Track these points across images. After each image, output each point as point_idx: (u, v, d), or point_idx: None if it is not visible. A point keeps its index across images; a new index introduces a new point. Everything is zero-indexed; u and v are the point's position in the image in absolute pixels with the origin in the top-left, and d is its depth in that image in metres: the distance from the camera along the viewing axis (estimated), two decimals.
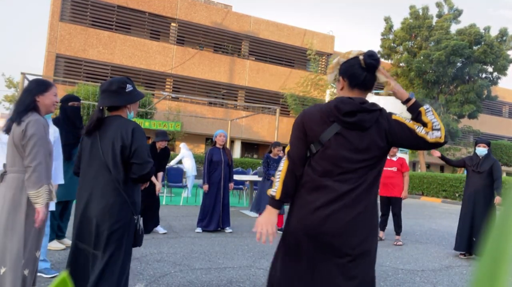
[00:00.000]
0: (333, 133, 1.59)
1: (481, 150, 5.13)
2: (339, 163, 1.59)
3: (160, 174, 5.59)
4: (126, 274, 2.13)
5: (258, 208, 6.22)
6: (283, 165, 1.70)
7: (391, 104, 22.52)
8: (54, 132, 3.47)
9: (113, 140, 2.13)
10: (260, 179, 7.93)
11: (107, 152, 2.12)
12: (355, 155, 1.59)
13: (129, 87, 2.27)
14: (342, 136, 1.59)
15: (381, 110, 1.65)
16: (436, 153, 5.28)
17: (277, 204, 1.69)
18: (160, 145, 5.58)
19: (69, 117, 4.16)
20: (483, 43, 21.59)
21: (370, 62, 1.61)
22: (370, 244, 1.61)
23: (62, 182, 3.67)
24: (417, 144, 1.63)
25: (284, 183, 1.67)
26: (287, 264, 1.65)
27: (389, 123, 1.63)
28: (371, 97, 22.89)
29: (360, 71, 1.63)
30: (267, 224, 1.68)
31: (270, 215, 1.70)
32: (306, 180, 1.65)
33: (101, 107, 2.23)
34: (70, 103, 4.20)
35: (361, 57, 1.63)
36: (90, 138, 2.22)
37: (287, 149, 1.73)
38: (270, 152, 6.47)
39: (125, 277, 2.11)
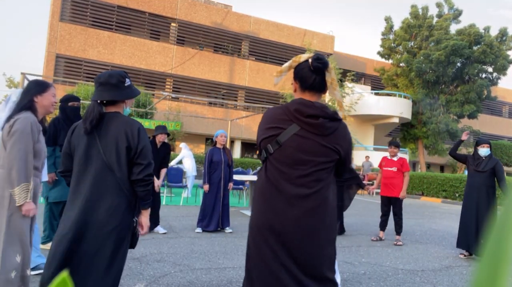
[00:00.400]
0: (291, 133, 1.62)
1: (485, 151, 5.10)
2: (295, 164, 1.61)
3: (163, 171, 5.60)
4: (120, 275, 2.11)
5: None
6: None
7: (391, 104, 22.58)
8: None
9: (116, 139, 2.04)
10: None
11: (110, 152, 2.04)
12: (312, 157, 1.62)
13: (127, 82, 2.19)
14: (300, 137, 1.62)
15: (342, 122, 1.70)
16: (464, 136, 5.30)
17: None
18: (160, 138, 5.55)
19: (69, 117, 4.17)
20: (482, 43, 21.58)
21: (316, 65, 1.65)
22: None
23: (45, 179, 3.78)
24: (340, 175, 1.79)
25: None
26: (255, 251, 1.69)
27: (345, 142, 1.69)
28: (371, 98, 22.89)
29: (310, 74, 1.67)
30: None
31: None
32: (260, 182, 1.70)
33: (98, 102, 2.10)
34: (70, 103, 4.20)
35: (310, 60, 1.68)
36: (86, 136, 2.08)
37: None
38: None
39: (119, 278, 2.09)
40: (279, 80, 1.83)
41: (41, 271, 3.31)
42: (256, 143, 1.85)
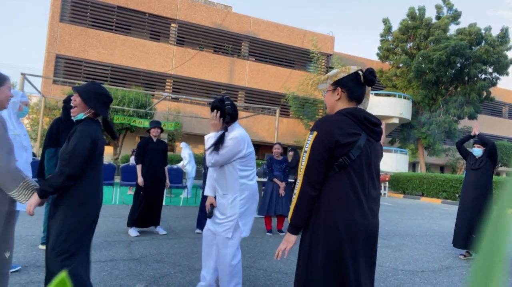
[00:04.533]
0: (365, 139, 1.71)
1: (476, 150, 5.15)
2: (371, 169, 1.74)
3: (166, 169, 5.69)
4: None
5: (263, 210, 6.14)
6: (297, 188, 1.70)
7: (390, 104, 22.62)
8: (14, 129, 3.34)
9: None
10: (260, 179, 7.93)
11: None
12: (378, 161, 1.80)
13: None
14: (371, 143, 1.75)
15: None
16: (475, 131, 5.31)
17: (292, 229, 1.73)
18: (153, 132, 5.56)
19: (71, 118, 4.17)
20: (484, 42, 21.56)
21: (371, 79, 1.77)
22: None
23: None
24: None
25: (297, 207, 1.68)
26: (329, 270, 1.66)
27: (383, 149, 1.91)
28: (371, 98, 22.86)
29: (359, 86, 1.79)
30: (285, 244, 1.78)
31: (288, 241, 1.77)
32: (342, 189, 1.68)
33: None
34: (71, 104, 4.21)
35: (360, 72, 1.79)
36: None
37: (303, 170, 1.69)
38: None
39: None
40: (324, 87, 1.88)
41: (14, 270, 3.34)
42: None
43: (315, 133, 1.69)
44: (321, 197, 1.68)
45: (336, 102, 1.82)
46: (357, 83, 1.78)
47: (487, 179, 5.06)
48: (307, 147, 1.69)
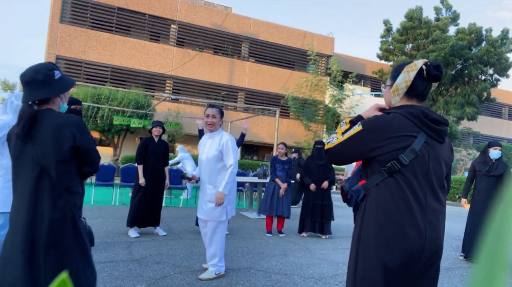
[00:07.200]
0: (421, 143, 1.48)
1: (497, 153, 4.96)
2: (431, 175, 1.49)
3: (166, 169, 5.69)
4: None
5: (264, 210, 6.14)
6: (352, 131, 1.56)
7: None
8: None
9: (54, 140, 1.85)
10: (260, 180, 7.92)
11: (46, 154, 1.85)
12: (442, 167, 1.53)
13: (57, 74, 1.96)
14: (430, 146, 1.50)
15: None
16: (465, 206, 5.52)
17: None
18: (155, 131, 5.58)
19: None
20: (485, 43, 21.55)
21: (436, 73, 1.54)
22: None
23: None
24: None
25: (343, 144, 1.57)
26: None
27: (453, 152, 1.64)
28: (371, 99, 22.89)
29: (421, 82, 1.56)
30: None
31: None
32: (389, 198, 1.47)
33: (29, 102, 1.87)
34: (73, 107, 4.20)
35: (424, 67, 1.55)
36: (20, 142, 1.87)
37: (334, 144, 1.58)
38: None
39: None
40: (398, 99, 1.62)
41: None
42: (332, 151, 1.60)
43: (360, 127, 1.53)
44: (367, 205, 1.52)
45: (394, 102, 1.61)
46: (419, 79, 1.54)
47: (500, 185, 4.87)
48: (346, 134, 1.55)
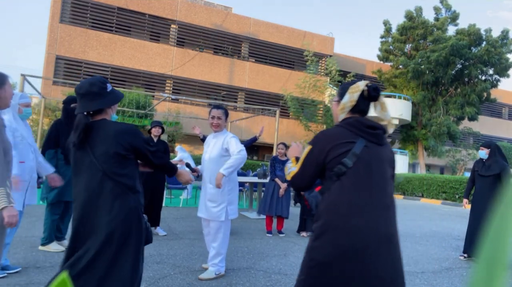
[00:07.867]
0: (361, 147, 1.70)
1: (482, 153, 5.14)
2: (374, 175, 1.68)
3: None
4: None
5: (264, 210, 6.14)
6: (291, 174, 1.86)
7: (390, 105, 22.55)
8: (15, 131, 3.29)
9: (112, 147, 2.02)
10: (260, 180, 7.92)
11: (107, 160, 2.03)
12: (383, 166, 1.73)
13: (109, 87, 2.14)
14: (370, 148, 1.72)
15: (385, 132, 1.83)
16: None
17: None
18: (154, 131, 5.57)
19: (71, 119, 4.16)
20: (485, 43, 21.53)
21: (374, 95, 1.81)
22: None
23: (51, 171, 3.57)
24: None
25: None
26: None
27: (394, 155, 1.86)
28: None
29: (363, 101, 1.83)
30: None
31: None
32: (339, 199, 1.64)
33: (85, 113, 2.06)
34: (72, 105, 4.19)
35: (365, 88, 1.81)
36: (78, 151, 2.06)
37: (295, 172, 1.82)
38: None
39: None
40: (343, 116, 1.86)
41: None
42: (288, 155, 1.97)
43: (309, 147, 1.78)
44: (322, 206, 1.69)
45: (340, 116, 1.88)
46: (361, 98, 1.82)
47: (499, 185, 4.93)
48: (300, 160, 1.82)
